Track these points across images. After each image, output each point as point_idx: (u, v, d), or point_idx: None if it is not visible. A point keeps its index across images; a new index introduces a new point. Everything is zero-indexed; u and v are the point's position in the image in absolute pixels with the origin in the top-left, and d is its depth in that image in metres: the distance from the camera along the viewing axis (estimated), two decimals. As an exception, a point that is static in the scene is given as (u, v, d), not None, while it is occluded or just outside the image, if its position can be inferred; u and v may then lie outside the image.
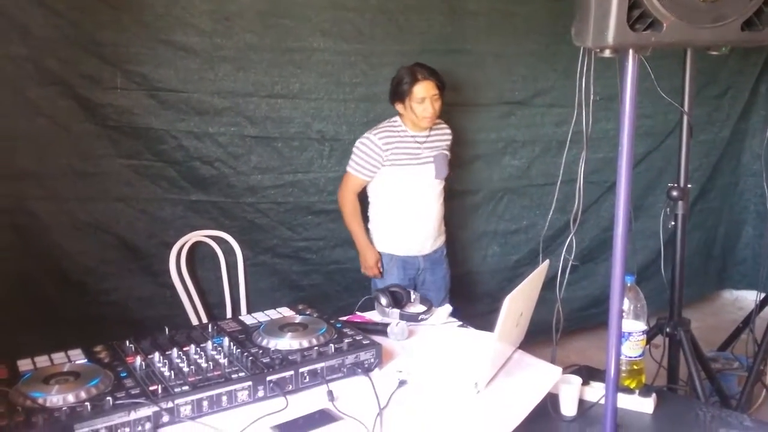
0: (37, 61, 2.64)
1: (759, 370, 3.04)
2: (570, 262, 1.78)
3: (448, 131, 3.13)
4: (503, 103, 3.62)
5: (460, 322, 2.24)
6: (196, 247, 3.09)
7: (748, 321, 3.32)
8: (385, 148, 2.87)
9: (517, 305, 1.73)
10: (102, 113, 2.79)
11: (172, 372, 1.64)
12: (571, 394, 1.80)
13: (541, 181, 3.77)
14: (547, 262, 1.92)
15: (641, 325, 1.98)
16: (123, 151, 2.86)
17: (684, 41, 1.54)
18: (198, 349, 1.76)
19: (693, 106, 2.79)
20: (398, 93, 2.86)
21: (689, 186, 2.73)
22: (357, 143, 2.92)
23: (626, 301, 1.93)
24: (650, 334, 2.64)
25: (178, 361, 1.70)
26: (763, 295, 3.40)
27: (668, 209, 2.63)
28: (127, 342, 1.82)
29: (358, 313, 2.31)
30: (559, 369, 1.84)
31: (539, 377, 1.81)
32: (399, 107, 2.91)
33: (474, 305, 3.54)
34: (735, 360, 3.30)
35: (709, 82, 4.06)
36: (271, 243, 3.23)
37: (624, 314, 1.88)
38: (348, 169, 2.95)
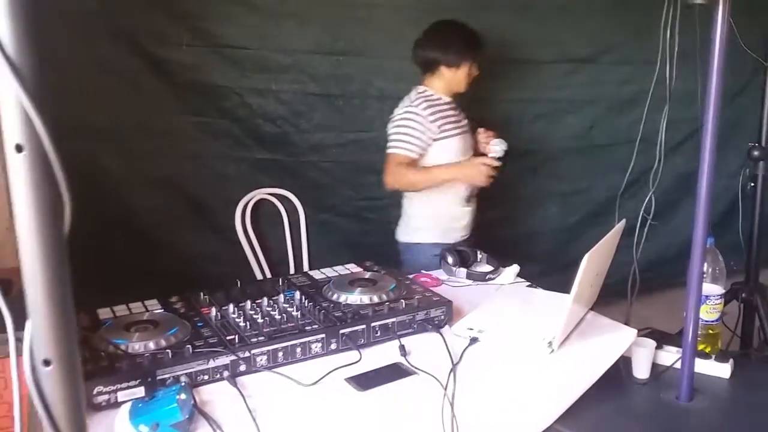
0: (107, 17, 2.67)
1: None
2: (649, 221, 1.72)
3: None
4: (568, 60, 3.52)
5: (528, 282, 2.21)
6: (260, 204, 3.13)
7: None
8: (432, 119, 2.53)
9: (594, 264, 1.69)
10: (169, 70, 2.82)
11: (248, 323, 1.67)
12: (645, 356, 1.76)
13: (604, 141, 3.68)
14: (623, 222, 1.86)
15: (719, 289, 1.92)
16: (189, 108, 2.90)
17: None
18: (271, 301, 1.79)
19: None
20: (463, 53, 2.57)
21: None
22: (398, 120, 2.54)
23: (704, 264, 1.87)
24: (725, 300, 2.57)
25: (252, 312, 1.73)
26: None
27: (748, 170, 2.51)
28: (202, 294, 1.86)
29: (424, 272, 2.30)
30: (634, 331, 1.80)
31: (613, 339, 1.77)
32: (441, 69, 2.59)
33: (532, 266, 3.51)
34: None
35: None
36: (332, 202, 3.24)
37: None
38: (392, 150, 2.52)
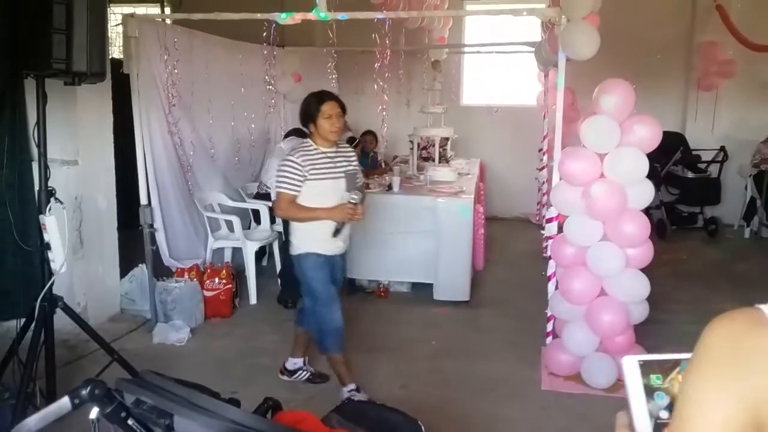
0: None
1: (28, 393, 3.10)
2: None
3: (353, 152, 3.80)
4: None
5: None
6: None
7: (12, 350, 3.31)
8: (304, 164, 3.46)
9: None
10: None
11: None
12: None
13: None
14: None
15: None
16: None
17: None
18: None
19: None
20: (309, 114, 3.52)
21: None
22: (280, 166, 3.53)
23: None
24: None
25: None
26: (23, 321, 3.42)
27: None
28: None
29: None
30: None
31: None
32: (311, 127, 3.54)
33: None
34: (6, 390, 3.25)
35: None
36: None
37: None
38: (278, 189, 3.49)
